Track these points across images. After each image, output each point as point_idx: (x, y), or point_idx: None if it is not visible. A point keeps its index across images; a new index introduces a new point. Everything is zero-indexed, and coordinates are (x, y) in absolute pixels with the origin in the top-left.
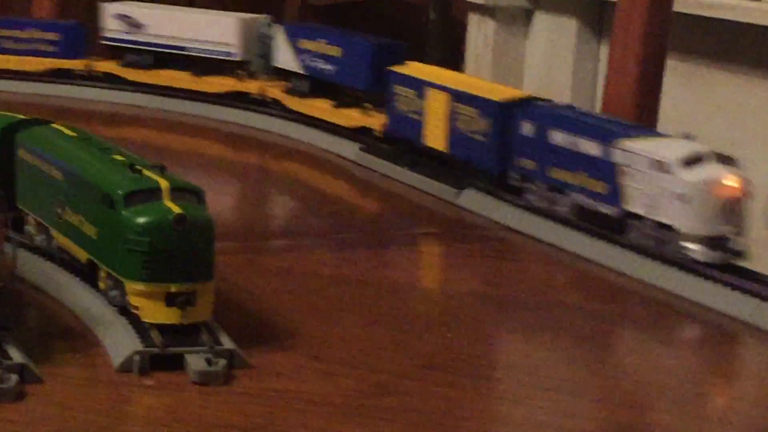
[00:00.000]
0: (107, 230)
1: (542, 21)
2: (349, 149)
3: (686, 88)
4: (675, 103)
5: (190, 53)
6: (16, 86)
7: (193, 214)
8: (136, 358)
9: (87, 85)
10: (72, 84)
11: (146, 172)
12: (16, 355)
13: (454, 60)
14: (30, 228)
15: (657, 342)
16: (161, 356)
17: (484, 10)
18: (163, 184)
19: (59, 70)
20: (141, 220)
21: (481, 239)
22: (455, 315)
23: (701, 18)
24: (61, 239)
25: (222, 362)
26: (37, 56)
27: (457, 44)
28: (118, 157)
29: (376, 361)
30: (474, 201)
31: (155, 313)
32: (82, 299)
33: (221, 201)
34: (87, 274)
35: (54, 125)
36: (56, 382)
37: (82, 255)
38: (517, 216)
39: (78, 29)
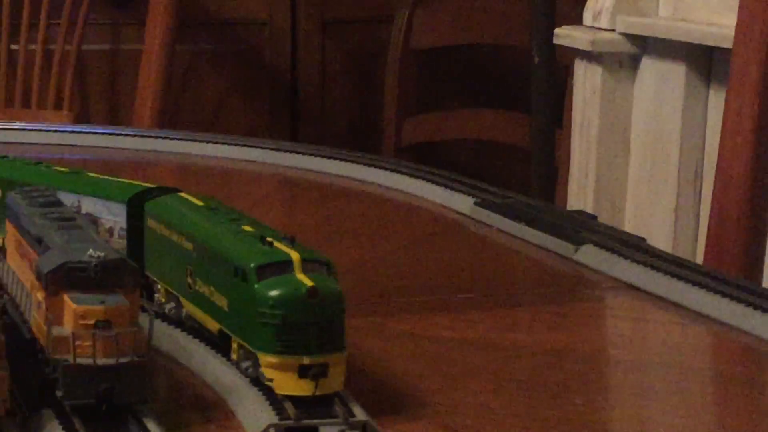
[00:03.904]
0: (239, 302)
1: (650, 67)
2: (463, 203)
3: None
4: None
5: None
6: None
7: (325, 286)
8: (271, 430)
9: None
10: None
11: (277, 244)
12: (154, 429)
13: (557, 107)
14: (159, 296)
15: None
16: (295, 428)
17: (591, 57)
18: (295, 256)
19: None
20: (273, 293)
21: (602, 298)
22: (582, 379)
23: None
24: (191, 309)
25: None
26: None
27: (562, 90)
28: (248, 228)
29: (507, 430)
30: (593, 257)
31: (288, 385)
32: (214, 369)
33: (335, 260)
34: (218, 344)
35: (182, 194)
36: None
37: (213, 325)
38: (639, 273)
39: None
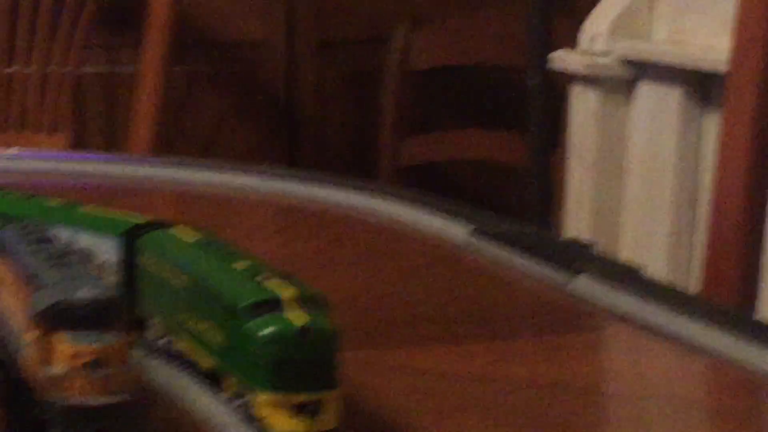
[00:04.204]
0: (232, 340)
1: (646, 91)
2: (460, 231)
3: None
4: None
5: None
6: None
7: (318, 324)
8: None
9: None
10: None
11: (270, 281)
12: None
13: (554, 127)
14: (152, 331)
15: None
16: None
17: (587, 81)
18: (288, 293)
19: None
20: (266, 331)
21: (598, 329)
22: (579, 413)
23: None
24: (184, 345)
25: None
26: None
27: (558, 111)
28: (241, 264)
29: None
30: (588, 287)
31: (282, 423)
32: (206, 406)
33: (326, 290)
34: (211, 380)
35: (175, 228)
36: None
37: (206, 362)
38: (635, 304)
39: None
